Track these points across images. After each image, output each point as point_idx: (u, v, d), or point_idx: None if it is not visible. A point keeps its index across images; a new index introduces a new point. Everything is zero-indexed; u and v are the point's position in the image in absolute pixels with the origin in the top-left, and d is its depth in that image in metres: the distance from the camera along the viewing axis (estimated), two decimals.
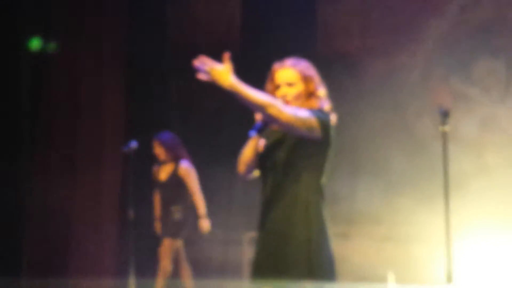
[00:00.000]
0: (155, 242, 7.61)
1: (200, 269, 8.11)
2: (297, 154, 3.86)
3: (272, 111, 3.65)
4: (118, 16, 8.63)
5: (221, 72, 3.62)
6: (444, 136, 5.35)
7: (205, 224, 7.38)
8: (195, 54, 8.11)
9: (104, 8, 8.62)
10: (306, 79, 3.96)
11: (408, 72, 7.91)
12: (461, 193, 7.10)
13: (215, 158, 8.18)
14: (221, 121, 8.42)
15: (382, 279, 6.95)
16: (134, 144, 7.18)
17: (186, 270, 7.57)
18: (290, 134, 3.84)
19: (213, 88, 8.09)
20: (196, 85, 8.37)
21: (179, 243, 7.48)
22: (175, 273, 7.57)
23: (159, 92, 8.64)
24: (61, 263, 8.12)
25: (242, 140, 4.11)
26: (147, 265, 7.91)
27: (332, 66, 7.88)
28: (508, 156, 7.58)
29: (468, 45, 7.74)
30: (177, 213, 7.38)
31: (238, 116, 8.16)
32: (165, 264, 7.35)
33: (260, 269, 3.87)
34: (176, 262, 7.50)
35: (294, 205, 3.82)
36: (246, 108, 3.78)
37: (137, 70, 8.62)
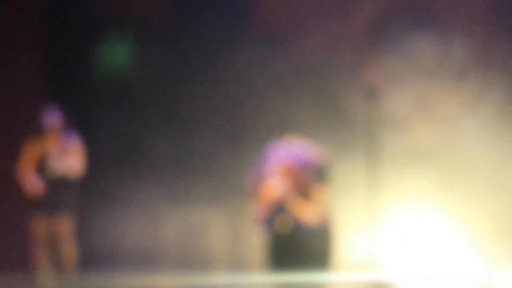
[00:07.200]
0: None
1: None
2: None
3: None
4: None
5: None
6: (370, 116, 5.33)
7: None
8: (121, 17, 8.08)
9: None
10: None
11: (338, 48, 7.87)
12: (389, 174, 7.12)
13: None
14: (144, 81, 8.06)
15: None
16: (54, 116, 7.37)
17: None
18: None
19: (137, 46, 8.06)
20: (121, 45, 8.33)
21: None
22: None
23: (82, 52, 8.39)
24: None
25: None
26: None
27: (261, 41, 7.60)
28: (439, 135, 7.63)
29: (400, 22, 7.75)
30: None
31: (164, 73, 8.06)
32: None
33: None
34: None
35: None
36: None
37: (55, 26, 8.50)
